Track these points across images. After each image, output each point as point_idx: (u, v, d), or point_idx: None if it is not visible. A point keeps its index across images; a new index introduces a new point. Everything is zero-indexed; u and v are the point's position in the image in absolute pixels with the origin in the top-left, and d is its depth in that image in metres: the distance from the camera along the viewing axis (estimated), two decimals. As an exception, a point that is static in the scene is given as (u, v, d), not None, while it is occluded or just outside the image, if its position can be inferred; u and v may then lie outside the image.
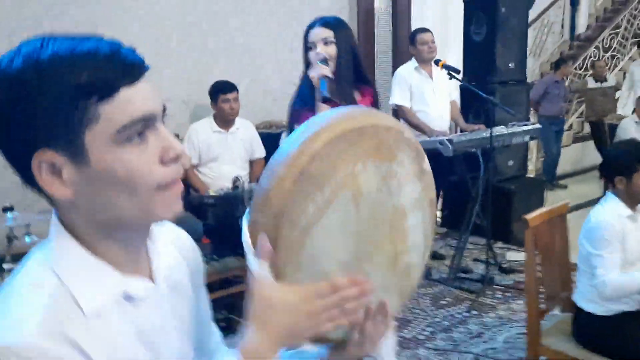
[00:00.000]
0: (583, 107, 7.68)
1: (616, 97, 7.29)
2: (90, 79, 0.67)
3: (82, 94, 0.67)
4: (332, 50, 2.20)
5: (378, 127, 0.87)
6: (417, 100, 4.23)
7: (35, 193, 0.73)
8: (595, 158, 6.39)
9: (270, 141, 3.96)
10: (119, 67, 0.68)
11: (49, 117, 0.67)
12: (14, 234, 2.54)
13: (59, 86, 0.66)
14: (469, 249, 4.36)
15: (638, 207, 2.36)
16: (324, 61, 2.16)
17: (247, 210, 0.84)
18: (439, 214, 4.89)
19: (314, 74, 2.16)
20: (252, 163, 4.01)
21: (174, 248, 0.88)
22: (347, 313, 0.82)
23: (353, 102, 2.19)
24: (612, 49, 8.66)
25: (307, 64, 2.26)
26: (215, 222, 3.33)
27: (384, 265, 0.92)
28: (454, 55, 5.60)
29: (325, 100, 2.09)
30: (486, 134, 3.86)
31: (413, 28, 5.03)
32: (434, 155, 3.55)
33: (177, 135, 3.89)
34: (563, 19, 8.72)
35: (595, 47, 8.54)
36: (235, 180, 3.54)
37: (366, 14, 5.35)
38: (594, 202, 2.78)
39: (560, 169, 6.91)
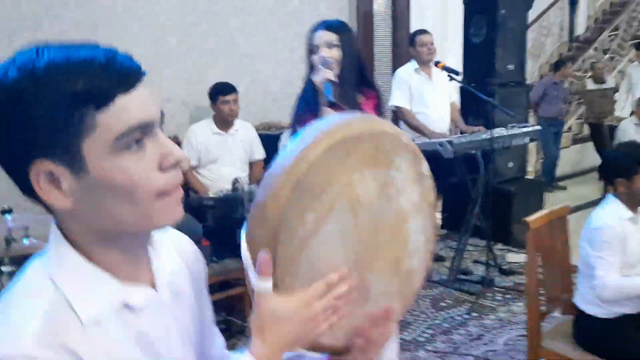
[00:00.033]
0: (582, 108, 7.69)
1: (615, 99, 7.29)
2: (86, 87, 0.66)
3: (78, 103, 0.66)
4: (336, 53, 2.18)
5: (373, 133, 0.86)
6: (417, 102, 4.22)
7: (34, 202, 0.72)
8: (595, 160, 6.39)
9: (270, 142, 3.95)
10: (114, 75, 0.68)
11: (46, 126, 0.66)
12: (12, 237, 2.53)
13: (55, 94, 0.66)
14: (469, 250, 4.36)
15: (639, 210, 2.36)
16: (328, 65, 2.14)
17: (244, 225, 0.84)
18: (439, 215, 4.88)
19: (318, 78, 2.14)
20: (251, 165, 4.00)
21: (176, 254, 0.87)
22: (340, 310, 0.84)
23: (357, 105, 2.17)
24: (611, 50, 8.67)
25: (311, 67, 2.24)
26: (215, 224, 3.32)
27: (385, 271, 0.92)
28: (454, 57, 5.59)
29: (331, 105, 2.07)
30: (486, 135, 3.86)
31: (412, 29, 5.02)
32: (434, 157, 3.55)
33: (176, 137, 3.89)
34: (562, 21, 8.74)
35: (594, 49, 8.56)
36: (235, 182, 3.54)
37: (365, 16, 5.34)
38: (593, 203, 2.78)
39: (560, 171, 6.91)
